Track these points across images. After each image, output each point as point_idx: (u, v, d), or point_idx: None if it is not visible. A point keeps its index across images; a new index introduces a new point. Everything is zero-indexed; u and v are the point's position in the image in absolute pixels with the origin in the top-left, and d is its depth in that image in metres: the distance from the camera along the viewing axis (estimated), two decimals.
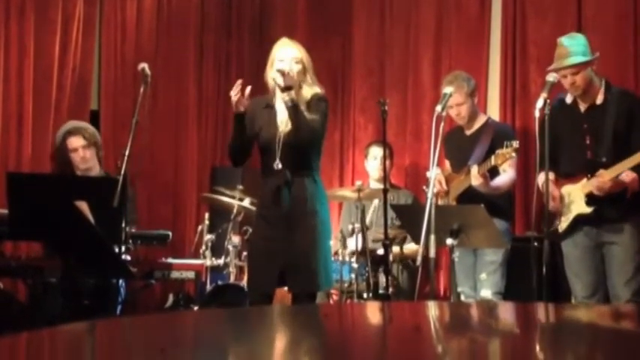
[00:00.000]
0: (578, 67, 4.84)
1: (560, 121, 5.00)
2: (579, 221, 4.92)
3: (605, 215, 4.84)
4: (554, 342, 2.03)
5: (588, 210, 4.84)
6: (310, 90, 4.57)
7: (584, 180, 4.86)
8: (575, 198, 4.91)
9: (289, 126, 4.47)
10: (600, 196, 4.78)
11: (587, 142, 4.93)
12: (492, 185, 5.31)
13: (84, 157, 5.56)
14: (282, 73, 4.43)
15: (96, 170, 5.64)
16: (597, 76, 4.95)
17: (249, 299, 4.70)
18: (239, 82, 4.45)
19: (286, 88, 4.43)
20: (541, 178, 4.86)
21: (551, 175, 4.94)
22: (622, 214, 4.84)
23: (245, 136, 4.56)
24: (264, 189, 4.56)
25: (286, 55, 4.54)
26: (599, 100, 4.93)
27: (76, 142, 5.58)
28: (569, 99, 5.05)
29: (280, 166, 4.46)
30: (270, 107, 4.58)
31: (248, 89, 4.45)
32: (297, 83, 4.50)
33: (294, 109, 4.43)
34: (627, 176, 4.72)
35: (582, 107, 4.99)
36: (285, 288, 4.60)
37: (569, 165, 5.00)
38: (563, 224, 4.97)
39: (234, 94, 4.42)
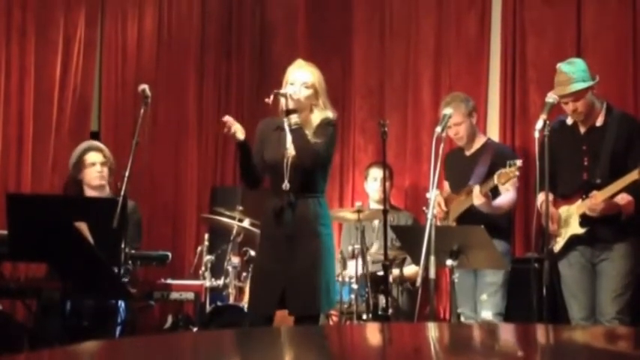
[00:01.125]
0: (580, 94, 4.85)
1: (560, 142, 5.01)
2: (574, 241, 4.93)
3: (598, 236, 4.87)
4: None
5: (581, 231, 4.87)
6: (320, 114, 4.56)
7: (580, 201, 4.88)
8: (570, 219, 4.93)
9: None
10: (594, 217, 4.79)
11: (585, 163, 4.95)
12: (494, 205, 5.32)
13: (101, 172, 5.58)
14: (285, 97, 4.44)
15: (106, 192, 5.65)
16: (598, 98, 4.97)
17: (248, 320, 4.68)
18: (224, 118, 4.47)
19: (289, 112, 4.44)
20: (540, 198, 4.86)
21: (551, 197, 4.95)
22: (616, 235, 4.85)
23: (252, 162, 4.56)
24: (267, 209, 4.55)
25: (297, 79, 4.54)
26: (599, 122, 4.95)
27: (95, 157, 5.61)
28: (569, 120, 5.06)
29: (288, 187, 4.45)
30: (281, 129, 4.57)
31: (225, 117, 4.47)
32: (305, 107, 4.50)
33: (296, 132, 4.43)
34: (622, 199, 4.74)
35: (582, 129, 5.01)
36: (286, 310, 4.58)
37: (566, 186, 5.02)
38: (558, 245, 4.98)
39: (225, 131, 4.43)
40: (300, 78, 4.54)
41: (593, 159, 4.91)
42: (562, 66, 4.95)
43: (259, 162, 4.61)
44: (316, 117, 4.55)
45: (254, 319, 4.60)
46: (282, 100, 4.52)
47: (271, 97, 4.48)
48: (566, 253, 4.98)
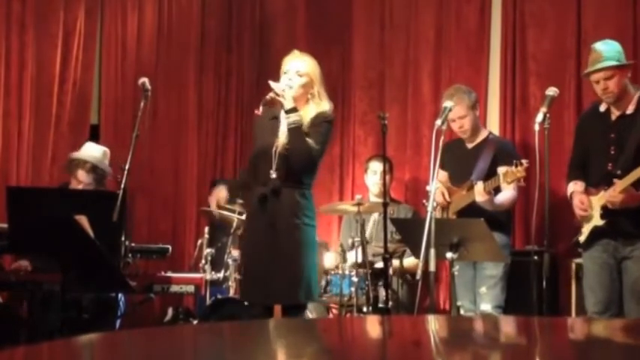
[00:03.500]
0: (612, 72, 4.73)
1: (591, 129, 4.93)
2: (596, 234, 4.82)
3: (620, 228, 4.74)
4: (555, 356, 2.02)
5: (602, 222, 4.76)
6: (316, 107, 4.55)
7: (602, 192, 4.77)
8: (593, 210, 4.83)
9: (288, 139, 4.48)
10: (614, 209, 4.69)
11: (612, 152, 4.81)
12: (496, 202, 5.30)
13: (88, 185, 5.62)
14: (275, 98, 4.44)
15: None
16: (633, 85, 4.84)
17: (246, 313, 4.70)
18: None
19: (290, 110, 4.44)
20: (570, 187, 4.81)
21: (582, 185, 4.90)
22: (638, 228, 4.73)
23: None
24: (252, 196, 4.58)
25: (290, 68, 4.55)
26: (630, 109, 4.80)
27: (83, 176, 5.62)
28: (602, 107, 4.91)
29: (275, 175, 4.45)
30: (277, 119, 4.57)
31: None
32: (300, 96, 4.50)
33: (294, 131, 4.43)
34: None
35: (613, 116, 4.85)
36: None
37: (594, 175, 4.90)
38: (583, 236, 4.90)
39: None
40: (294, 67, 4.55)
41: (620, 148, 4.77)
42: (596, 44, 4.84)
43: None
44: (311, 109, 4.54)
45: (252, 310, 4.59)
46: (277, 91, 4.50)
47: (260, 108, 4.51)
48: (590, 246, 4.86)
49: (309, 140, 4.46)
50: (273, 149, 4.47)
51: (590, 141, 4.94)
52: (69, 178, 5.76)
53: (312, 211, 4.59)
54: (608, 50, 4.78)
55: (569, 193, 4.89)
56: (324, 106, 4.58)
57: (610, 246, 4.81)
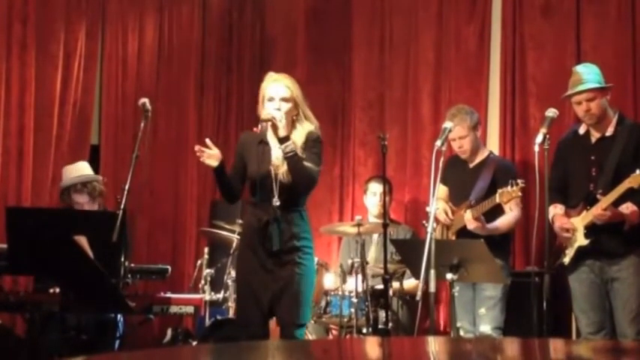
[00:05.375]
0: (594, 94, 4.85)
1: (571, 152, 5.03)
2: (581, 254, 4.89)
3: (605, 248, 4.83)
4: None
5: (586, 242, 4.83)
6: (303, 129, 4.55)
7: (584, 212, 4.86)
8: (577, 231, 4.90)
9: (285, 167, 4.46)
10: (598, 227, 4.76)
11: (593, 173, 4.92)
12: (490, 227, 5.31)
13: (89, 204, 5.63)
14: (273, 123, 4.43)
15: (95, 205, 5.68)
16: (611, 107, 4.96)
17: (244, 334, 4.68)
18: (196, 147, 4.48)
19: (283, 139, 4.44)
20: (551, 212, 4.86)
21: (562, 208, 4.95)
22: (623, 247, 4.81)
23: (231, 183, 4.60)
24: (250, 219, 4.58)
25: (275, 94, 4.52)
26: (610, 131, 4.93)
27: (80, 198, 5.64)
28: (582, 130, 5.04)
29: (279, 202, 4.46)
30: (265, 143, 4.57)
31: (207, 141, 4.50)
32: (288, 122, 4.49)
33: (292, 159, 4.43)
34: (627, 208, 4.71)
35: (593, 138, 4.98)
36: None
37: (575, 197, 4.99)
38: (567, 257, 4.95)
39: (201, 158, 4.48)
40: (278, 93, 4.52)
41: (601, 169, 4.88)
42: (577, 67, 5.00)
43: (238, 175, 4.64)
44: (300, 132, 4.54)
45: (249, 331, 4.59)
46: (265, 115, 4.48)
47: (260, 126, 4.51)
48: (576, 268, 4.95)
49: (308, 164, 4.47)
50: (273, 177, 4.48)
51: (570, 163, 5.03)
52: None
53: (309, 231, 4.61)
54: (588, 72, 4.92)
55: (550, 217, 4.93)
56: (310, 125, 4.60)
57: (595, 266, 4.90)
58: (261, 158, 4.53)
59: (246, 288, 4.56)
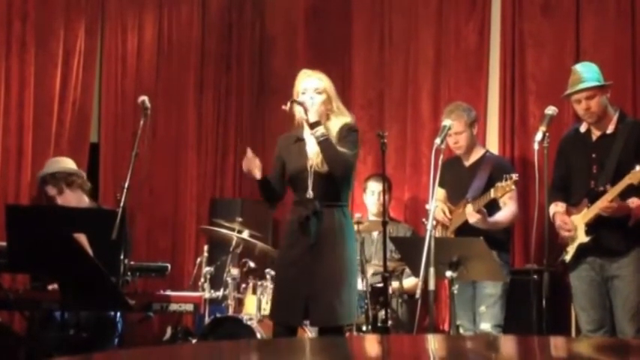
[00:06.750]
0: (594, 92, 4.86)
1: (573, 150, 5.04)
2: (582, 252, 4.89)
3: (606, 245, 4.82)
4: None
5: (587, 239, 4.83)
6: (338, 120, 4.56)
7: (585, 209, 4.85)
8: (577, 228, 4.90)
9: (320, 157, 4.45)
10: (599, 224, 4.76)
11: (594, 171, 4.92)
12: (491, 221, 5.31)
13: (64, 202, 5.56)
14: (303, 106, 4.45)
15: (85, 201, 5.62)
16: (612, 105, 4.97)
17: (273, 331, 4.62)
18: (249, 155, 4.49)
19: (313, 125, 4.44)
20: (552, 209, 4.87)
21: (563, 206, 4.95)
22: (624, 244, 4.81)
23: (274, 188, 4.61)
24: (292, 217, 4.55)
25: (308, 87, 4.55)
26: (610, 129, 4.93)
27: (53, 191, 5.57)
28: (583, 128, 5.05)
29: (312, 195, 4.45)
30: (301, 140, 4.59)
31: (248, 150, 4.51)
32: (321, 114, 4.51)
33: (324, 143, 4.42)
34: (633, 202, 4.70)
35: (594, 136, 4.99)
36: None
37: (576, 194, 5.00)
38: (568, 255, 4.95)
39: (245, 169, 4.50)
40: (311, 85, 4.56)
41: (602, 166, 4.89)
42: (577, 66, 5.01)
43: (279, 179, 4.64)
44: (335, 123, 4.55)
45: (278, 330, 4.55)
46: (299, 113, 4.52)
47: (288, 104, 4.50)
48: (577, 265, 4.95)
49: (343, 149, 4.46)
50: (308, 169, 4.48)
51: (572, 161, 5.04)
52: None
53: (352, 229, 4.59)
54: (587, 71, 4.93)
55: (550, 215, 4.93)
56: (347, 118, 4.61)
57: (596, 264, 4.90)
58: (298, 156, 4.55)
59: (284, 287, 4.52)
